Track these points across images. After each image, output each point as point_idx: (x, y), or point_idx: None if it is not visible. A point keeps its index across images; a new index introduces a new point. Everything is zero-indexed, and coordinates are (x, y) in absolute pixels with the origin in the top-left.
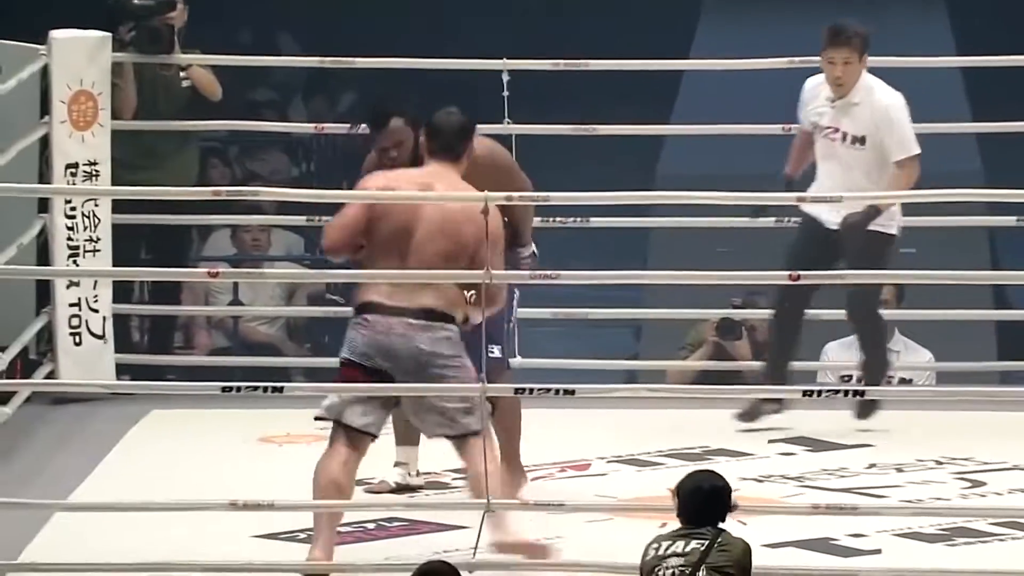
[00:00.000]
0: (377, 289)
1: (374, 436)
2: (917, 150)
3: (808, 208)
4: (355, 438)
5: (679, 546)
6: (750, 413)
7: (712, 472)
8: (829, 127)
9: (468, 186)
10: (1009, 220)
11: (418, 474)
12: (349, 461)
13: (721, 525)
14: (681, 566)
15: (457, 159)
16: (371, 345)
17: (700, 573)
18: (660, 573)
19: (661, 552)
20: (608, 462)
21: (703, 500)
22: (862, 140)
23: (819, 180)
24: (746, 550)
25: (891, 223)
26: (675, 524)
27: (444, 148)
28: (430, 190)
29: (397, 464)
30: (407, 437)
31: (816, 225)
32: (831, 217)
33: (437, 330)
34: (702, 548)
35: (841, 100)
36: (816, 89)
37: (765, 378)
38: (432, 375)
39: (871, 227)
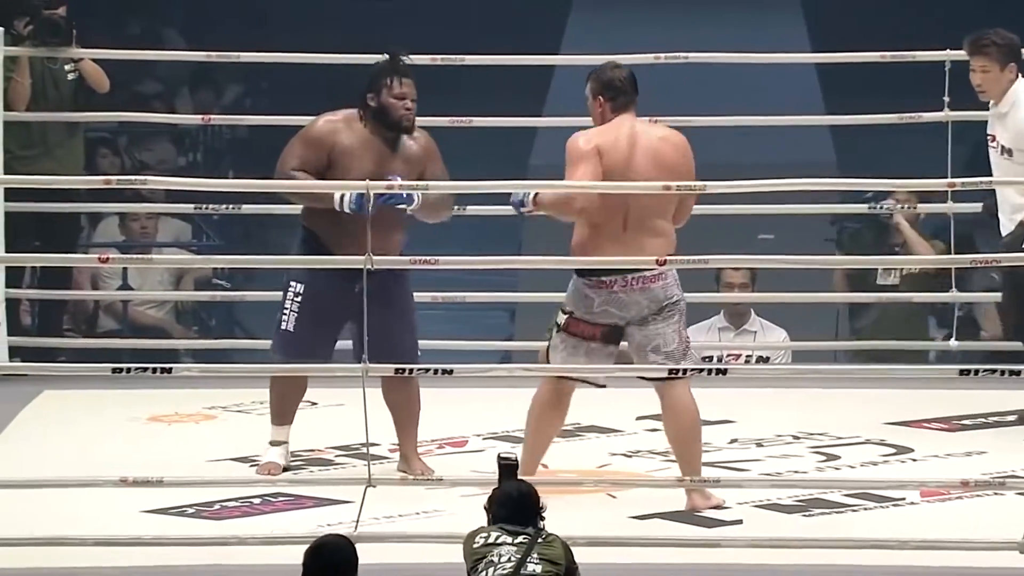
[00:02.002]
0: (601, 251)
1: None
2: None
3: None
4: (569, 385)
5: (507, 538)
6: None
7: (520, 481)
8: (989, 134)
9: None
10: (861, 207)
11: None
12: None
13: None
14: (513, 552)
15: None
16: (610, 303)
17: (533, 555)
18: (492, 558)
19: (491, 540)
20: (484, 439)
21: (516, 505)
22: (1010, 152)
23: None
24: (566, 544)
25: None
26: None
27: (628, 99)
28: (648, 142)
29: (277, 443)
30: (284, 416)
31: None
32: (1005, 225)
33: (668, 274)
34: (530, 539)
35: (995, 109)
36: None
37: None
38: (664, 315)
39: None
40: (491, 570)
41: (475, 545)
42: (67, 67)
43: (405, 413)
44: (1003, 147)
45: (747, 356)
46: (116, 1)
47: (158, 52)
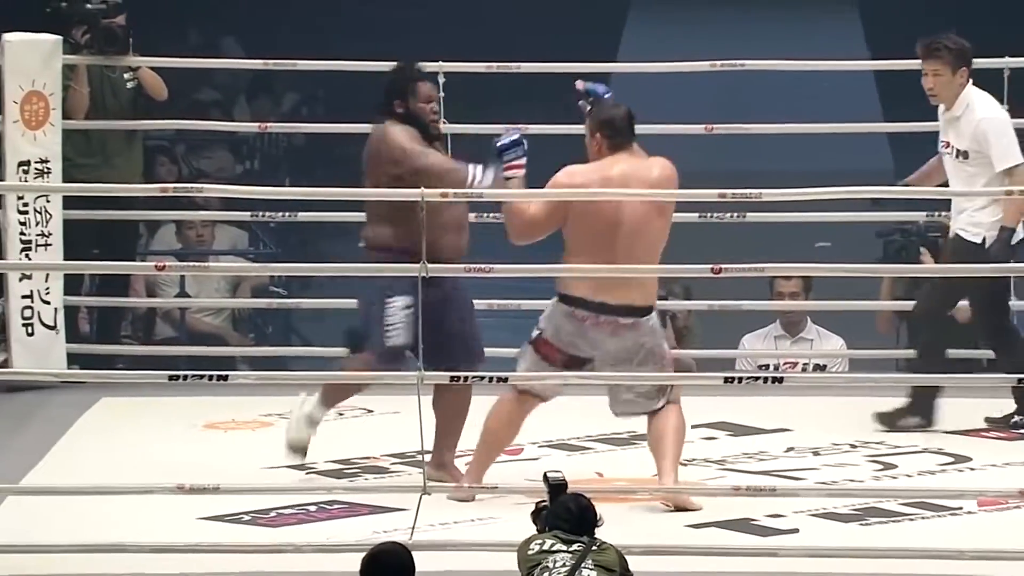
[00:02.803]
0: (582, 283)
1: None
2: (1017, 160)
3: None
4: (527, 400)
5: (562, 545)
6: (889, 419)
7: (577, 494)
8: (943, 141)
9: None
10: (919, 215)
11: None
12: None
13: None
14: (568, 559)
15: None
16: (579, 336)
17: (588, 561)
18: (547, 563)
19: (546, 548)
20: (540, 447)
21: (575, 518)
22: (965, 154)
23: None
24: (620, 552)
25: (977, 229)
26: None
27: (626, 138)
28: (640, 181)
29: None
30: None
31: (955, 238)
32: (955, 228)
33: (643, 324)
34: (584, 547)
35: (948, 114)
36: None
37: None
38: (636, 363)
39: (958, 232)
40: (546, 574)
41: (530, 552)
42: (126, 75)
43: (457, 420)
44: (958, 151)
45: (804, 364)
46: (176, 10)
47: (216, 60)
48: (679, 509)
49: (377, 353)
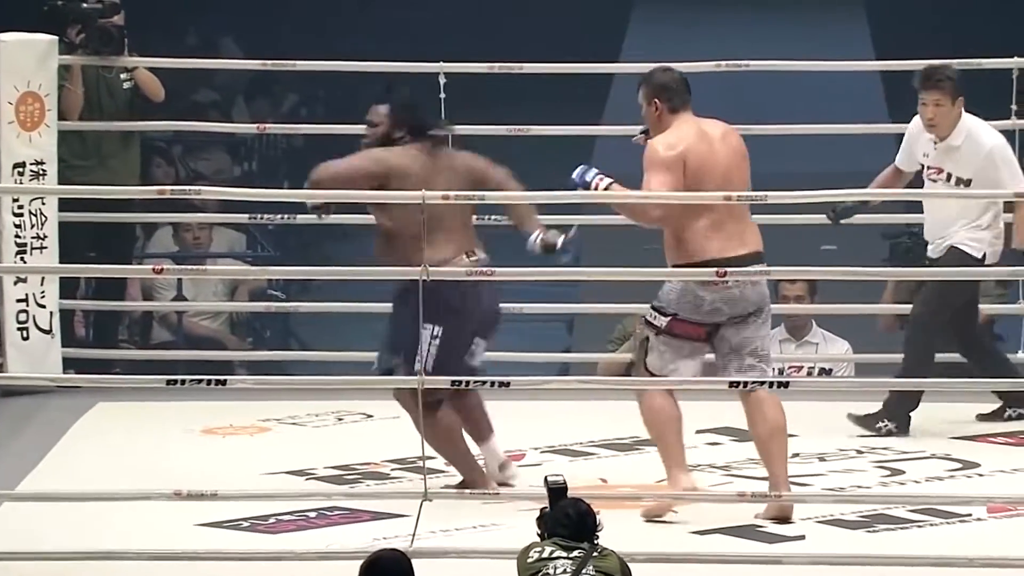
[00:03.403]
0: (712, 243)
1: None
2: None
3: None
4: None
5: (562, 552)
6: (865, 421)
7: (576, 499)
8: (932, 168)
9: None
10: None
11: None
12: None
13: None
14: (569, 565)
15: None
16: (721, 299)
17: (589, 567)
18: (548, 570)
19: (545, 555)
20: (542, 452)
21: (574, 524)
22: (968, 182)
23: (926, 217)
24: (622, 559)
25: (979, 245)
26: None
27: (683, 99)
28: (717, 135)
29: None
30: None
31: (928, 261)
32: (931, 251)
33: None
34: (585, 553)
35: (944, 143)
36: (920, 130)
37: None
38: (765, 312)
39: (957, 246)
40: None
41: (529, 560)
42: (122, 76)
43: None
44: (958, 179)
45: (809, 368)
46: (173, 11)
47: (214, 61)
48: (780, 519)
49: (398, 371)
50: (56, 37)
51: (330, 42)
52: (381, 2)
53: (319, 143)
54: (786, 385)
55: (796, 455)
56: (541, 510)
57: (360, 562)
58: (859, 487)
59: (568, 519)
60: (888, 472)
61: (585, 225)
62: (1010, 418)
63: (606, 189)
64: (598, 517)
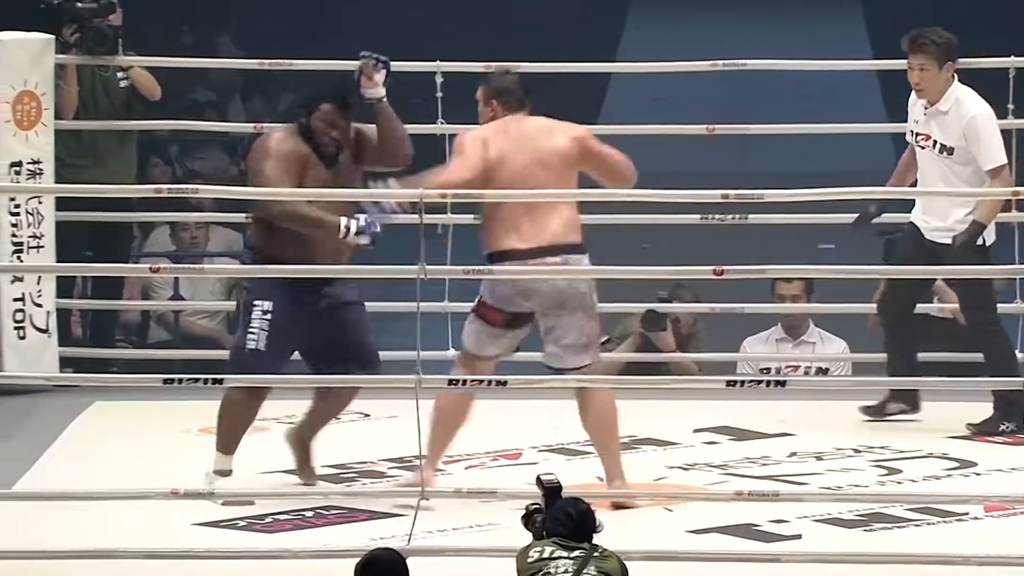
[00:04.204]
0: (508, 236)
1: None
2: (1003, 160)
3: (912, 218)
4: (480, 366)
5: (562, 552)
6: (877, 409)
7: (576, 499)
8: (921, 133)
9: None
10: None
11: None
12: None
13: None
14: (570, 565)
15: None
16: (514, 290)
17: (590, 568)
18: (548, 570)
19: (546, 555)
20: (539, 451)
21: (575, 524)
22: (951, 151)
23: (918, 188)
24: (621, 560)
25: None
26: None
27: (519, 101)
28: (537, 133)
29: (225, 473)
30: (235, 445)
31: (917, 234)
32: (927, 227)
33: (574, 263)
34: (585, 553)
35: (932, 107)
36: (916, 98)
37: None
38: (569, 309)
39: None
40: None
41: (529, 560)
42: (119, 75)
43: (324, 419)
44: (942, 145)
45: (806, 368)
46: (171, 10)
47: (210, 60)
48: (621, 507)
49: (235, 356)
50: (52, 36)
51: (326, 41)
52: (382, 2)
53: None
54: (783, 384)
55: (793, 454)
56: (527, 507)
57: (355, 561)
58: (856, 486)
59: (569, 519)
60: (885, 471)
61: (584, 224)
62: (892, 412)
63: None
64: (597, 517)
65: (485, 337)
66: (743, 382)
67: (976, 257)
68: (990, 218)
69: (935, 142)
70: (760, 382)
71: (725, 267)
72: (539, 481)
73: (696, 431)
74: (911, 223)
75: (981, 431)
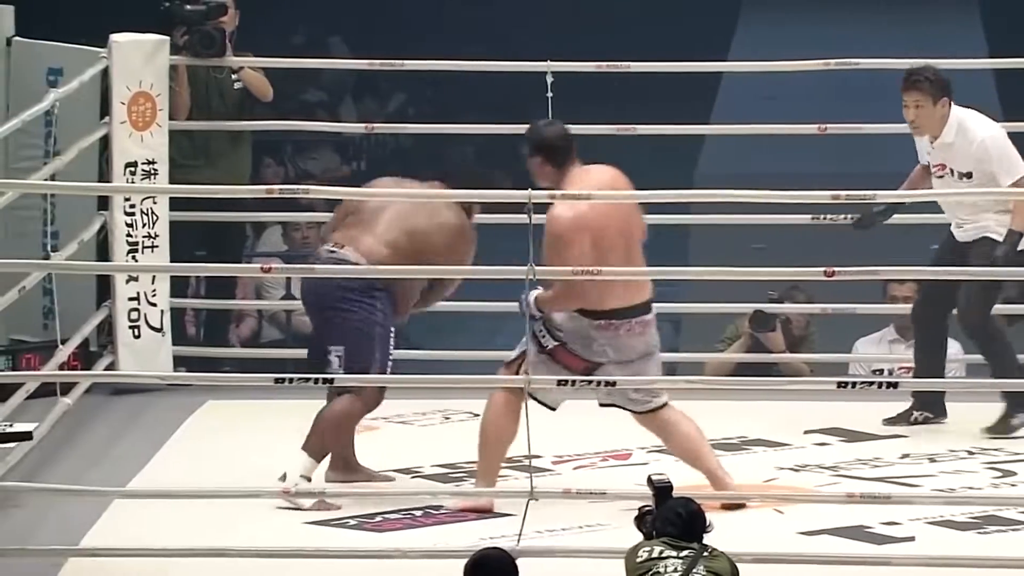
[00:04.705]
0: (613, 295)
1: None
2: (1021, 171)
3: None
4: (519, 406)
5: (672, 552)
6: (902, 417)
7: (687, 499)
8: (936, 165)
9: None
10: None
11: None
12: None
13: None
14: (679, 564)
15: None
16: (611, 344)
17: (699, 567)
18: (658, 569)
19: (655, 555)
20: (648, 452)
21: (685, 524)
22: (969, 175)
23: (944, 207)
24: (731, 560)
25: (1005, 230)
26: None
27: (570, 152)
28: (611, 184)
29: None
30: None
31: (952, 242)
32: (960, 235)
33: (654, 322)
34: (695, 553)
35: (939, 141)
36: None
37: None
38: (645, 357)
39: (989, 235)
40: None
41: (638, 560)
42: (233, 77)
43: (350, 422)
44: (960, 173)
45: None
46: (282, 11)
47: (322, 60)
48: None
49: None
50: (167, 37)
51: (438, 41)
52: (490, 2)
53: (426, 142)
54: (895, 386)
55: (906, 456)
56: (640, 508)
57: (465, 561)
58: (970, 488)
59: (679, 518)
60: (999, 473)
61: (693, 224)
62: (916, 421)
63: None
64: (708, 518)
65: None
66: (855, 383)
67: (1012, 259)
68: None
69: (952, 170)
70: (872, 383)
71: (836, 268)
72: (650, 481)
73: (807, 432)
74: (948, 234)
75: (997, 432)
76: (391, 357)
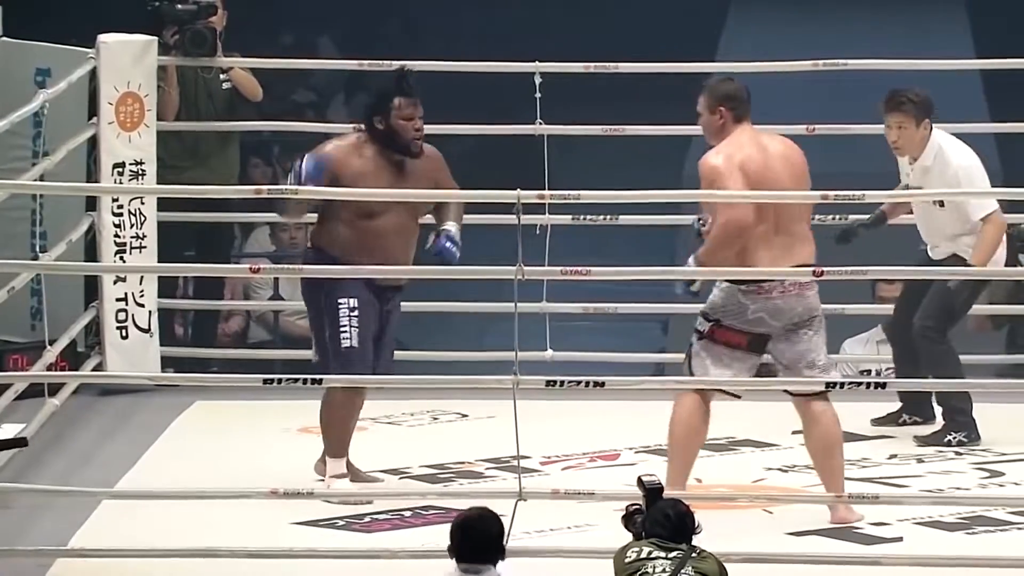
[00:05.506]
0: (757, 257)
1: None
2: (992, 207)
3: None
4: (708, 395)
5: (660, 552)
6: (891, 419)
7: (675, 500)
8: (913, 187)
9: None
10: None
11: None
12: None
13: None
14: (668, 565)
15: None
16: (766, 310)
17: (688, 568)
18: (646, 569)
19: (643, 555)
20: (637, 452)
21: (673, 525)
22: (941, 203)
23: (920, 227)
24: (720, 562)
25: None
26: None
27: (747, 109)
28: (777, 148)
29: (343, 476)
30: (345, 446)
31: (927, 261)
32: (933, 254)
33: (815, 284)
34: (683, 554)
35: (917, 164)
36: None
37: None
38: (816, 323)
39: (959, 253)
40: None
41: (627, 560)
42: (222, 77)
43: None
44: (934, 199)
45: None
46: (271, 11)
47: (310, 61)
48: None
49: (333, 356)
50: (155, 38)
51: (426, 42)
52: (476, 2)
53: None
54: (883, 386)
55: (894, 456)
56: (627, 507)
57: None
58: (958, 488)
59: (667, 520)
60: (987, 474)
61: (681, 225)
62: (905, 423)
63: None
64: (696, 519)
65: (728, 361)
66: (843, 384)
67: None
68: (984, 260)
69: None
70: (860, 384)
71: (825, 268)
72: (640, 482)
73: (795, 432)
74: (924, 253)
75: (929, 443)
76: (344, 328)
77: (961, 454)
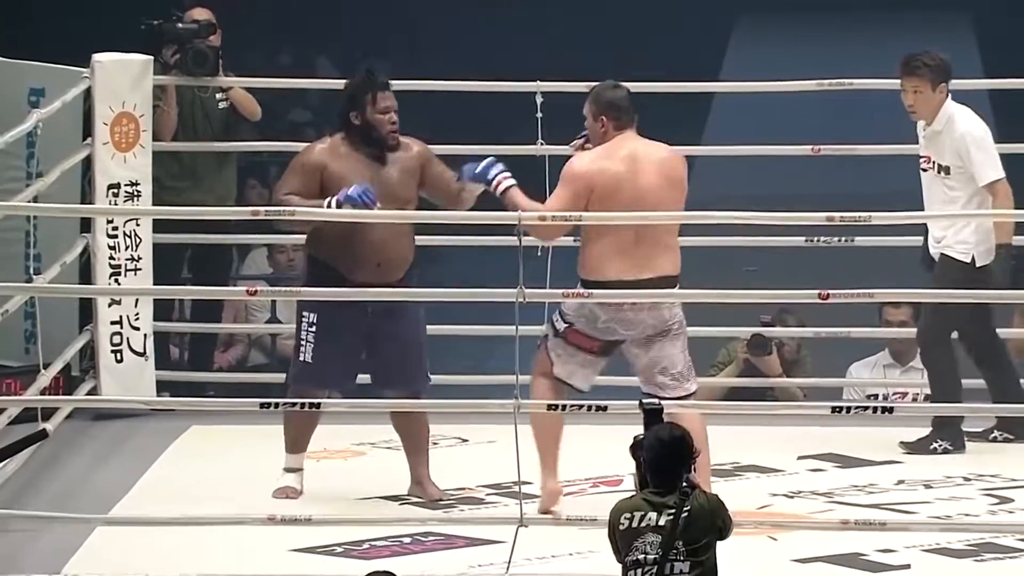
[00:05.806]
0: (612, 265)
1: (579, 390)
2: (999, 174)
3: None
4: (560, 389)
5: (651, 518)
6: (918, 446)
7: (671, 424)
8: (923, 156)
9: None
10: None
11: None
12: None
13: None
14: (657, 544)
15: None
16: (616, 320)
17: (679, 546)
18: (637, 556)
19: (635, 525)
20: None
21: (668, 450)
22: (947, 170)
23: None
24: (712, 504)
25: (965, 247)
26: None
27: (630, 118)
28: (651, 158)
29: (293, 470)
30: (301, 445)
31: (927, 257)
32: (932, 249)
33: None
34: (671, 525)
35: (929, 129)
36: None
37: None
38: (670, 336)
39: (947, 253)
40: (639, 571)
41: (620, 528)
42: (219, 96)
43: (415, 439)
44: (940, 165)
45: (914, 394)
46: (269, 30)
47: (308, 80)
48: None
49: (291, 367)
50: (151, 57)
51: (424, 61)
52: (477, 22)
53: None
54: (890, 411)
55: (901, 482)
56: (635, 437)
57: None
58: (966, 515)
59: (662, 445)
60: (996, 500)
61: (684, 246)
62: (935, 451)
63: (503, 192)
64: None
65: (576, 364)
66: (849, 408)
67: (948, 270)
68: (1009, 234)
69: (935, 163)
70: (867, 408)
71: (831, 291)
72: (641, 405)
73: (801, 458)
74: (923, 246)
75: (914, 450)
76: (302, 342)
77: (969, 480)
